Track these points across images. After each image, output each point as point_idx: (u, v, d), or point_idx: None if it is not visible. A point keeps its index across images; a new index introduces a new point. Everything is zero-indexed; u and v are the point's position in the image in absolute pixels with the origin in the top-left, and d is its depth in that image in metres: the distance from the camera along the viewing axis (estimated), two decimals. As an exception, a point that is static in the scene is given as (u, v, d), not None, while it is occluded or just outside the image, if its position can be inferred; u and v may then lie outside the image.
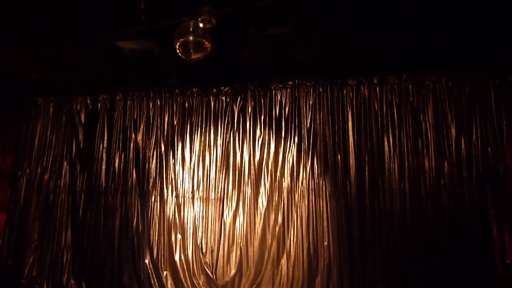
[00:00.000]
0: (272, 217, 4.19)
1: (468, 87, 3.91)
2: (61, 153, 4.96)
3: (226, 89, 4.58)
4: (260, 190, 4.30)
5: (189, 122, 4.66)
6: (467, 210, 3.71)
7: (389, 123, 4.05)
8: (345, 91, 4.22)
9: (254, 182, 4.32)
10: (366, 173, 4.01)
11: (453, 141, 3.87)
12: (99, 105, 4.96)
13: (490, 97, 3.83)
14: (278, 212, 4.18)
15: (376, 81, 4.14)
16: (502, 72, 3.83)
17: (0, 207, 4.99)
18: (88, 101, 5.00)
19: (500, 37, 3.67)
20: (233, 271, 4.21)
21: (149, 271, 4.39)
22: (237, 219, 4.32)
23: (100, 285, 4.49)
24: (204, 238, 4.39)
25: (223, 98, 4.59)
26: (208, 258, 4.32)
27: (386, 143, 4.02)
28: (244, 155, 4.41)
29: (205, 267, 4.28)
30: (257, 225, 4.23)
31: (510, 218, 3.61)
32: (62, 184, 4.86)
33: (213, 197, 4.45)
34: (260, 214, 4.24)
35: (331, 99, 4.24)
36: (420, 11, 3.36)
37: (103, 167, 4.78)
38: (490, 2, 3.27)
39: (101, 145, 4.83)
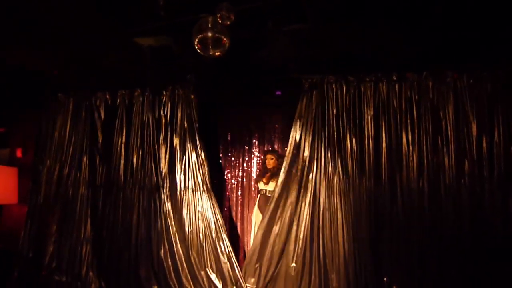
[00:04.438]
0: (283, 213, 4.20)
1: (491, 85, 3.83)
2: (80, 148, 5.01)
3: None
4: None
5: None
6: (488, 210, 3.65)
7: (408, 121, 4.00)
8: (362, 88, 4.18)
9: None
10: (384, 171, 3.97)
11: (474, 140, 3.81)
12: (118, 100, 5.01)
13: (512, 96, 3.75)
14: (289, 209, 4.18)
15: (395, 78, 4.09)
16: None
17: (22, 200, 5.10)
18: (107, 97, 5.05)
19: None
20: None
21: (164, 265, 4.44)
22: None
23: (118, 278, 4.56)
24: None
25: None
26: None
27: (404, 141, 3.97)
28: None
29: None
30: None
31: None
32: (81, 178, 4.92)
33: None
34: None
35: (348, 96, 4.20)
36: (442, 8, 3.29)
37: (122, 161, 4.83)
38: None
39: (120, 140, 4.88)
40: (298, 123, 4.28)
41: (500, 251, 3.55)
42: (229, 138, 5.40)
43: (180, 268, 4.37)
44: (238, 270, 4.25)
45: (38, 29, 3.83)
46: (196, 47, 3.24)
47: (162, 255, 4.47)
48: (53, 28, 3.83)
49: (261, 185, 4.62)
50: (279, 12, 3.51)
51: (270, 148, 5.10)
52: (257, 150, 5.27)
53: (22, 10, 3.52)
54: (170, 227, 4.52)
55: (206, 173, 4.57)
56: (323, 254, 3.97)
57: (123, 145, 4.86)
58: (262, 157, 5.06)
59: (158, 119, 4.83)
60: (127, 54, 4.34)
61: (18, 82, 5.22)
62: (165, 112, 4.81)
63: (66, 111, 5.18)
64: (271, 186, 4.51)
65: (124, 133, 4.89)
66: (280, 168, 4.45)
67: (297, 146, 4.25)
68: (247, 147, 5.31)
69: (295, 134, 4.28)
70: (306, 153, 4.20)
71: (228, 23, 3.08)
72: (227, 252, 4.34)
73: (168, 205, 4.59)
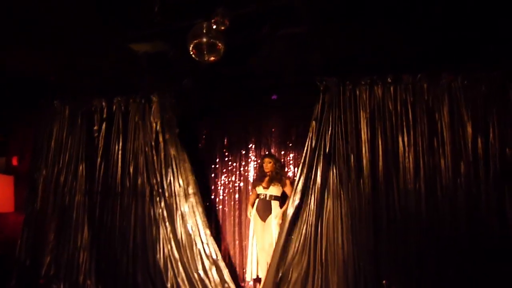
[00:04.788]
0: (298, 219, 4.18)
1: (485, 87, 3.86)
2: (77, 155, 4.98)
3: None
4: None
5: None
6: (484, 211, 3.67)
7: (404, 123, 4.02)
8: (358, 91, 4.19)
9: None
10: (380, 173, 3.98)
11: (470, 141, 3.83)
12: (114, 107, 5.00)
13: (508, 97, 3.78)
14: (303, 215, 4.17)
15: (390, 80, 4.11)
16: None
17: (18, 208, 5.07)
18: (103, 103, 5.04)
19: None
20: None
21: (161, 269, 4.44)
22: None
23: (115, 284, 4.54)
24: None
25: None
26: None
27: (400, 143, 3.99)
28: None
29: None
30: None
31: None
32: (78, 185, 4.90)
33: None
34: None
35: (343, 99, 4.21)
36: (442, 8, 3.31)
37: (119, 168, 4.82)
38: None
39: (116, 147, 4.88)
40: (314, 125, 4.23)
41: (497, 251, 3.57)
42: (226, 143, 5.39)
43: (176, 272, 4.39)
44: (225, 272, 4.29)
45: (38, 29, 3.81)
46: (191, 53, 3.24)
47: (158, 259, 4.48)
48: (50, 35, 3.82)
49: (259, 190, 4.59)
50: (276, 15, 3.50)
51: (267, 152, 5.09)
52: (254, 154, 5.26)
53: (22, 10, 3.50)
54: (164, 232, 4.55)
55: (190, 177, 4.59)
56: (325, 257, 3.97)
57: (119, 152, 4.86)
58: (259, 161, 5.05)
59: (150, 125, 4.84)
60: (123, 61, 4.33)
61: (15, 91, 5.19)
62: (155, 119, 4.83)
63: (62, 118, 5.16)
64: (271, 190, 4.50)
65: (120, 140, 4.89)
66: (278, 172, 4.47)
67: (313, 150, 4.21)
68: (244, 151, 5.31)
69: (311, 138, 4.22)
70: (316, 157, 4.17)
71: (223, 28, 3.08)
72: (213, 255, 4.37)
73: (160, 210, 4.61)
